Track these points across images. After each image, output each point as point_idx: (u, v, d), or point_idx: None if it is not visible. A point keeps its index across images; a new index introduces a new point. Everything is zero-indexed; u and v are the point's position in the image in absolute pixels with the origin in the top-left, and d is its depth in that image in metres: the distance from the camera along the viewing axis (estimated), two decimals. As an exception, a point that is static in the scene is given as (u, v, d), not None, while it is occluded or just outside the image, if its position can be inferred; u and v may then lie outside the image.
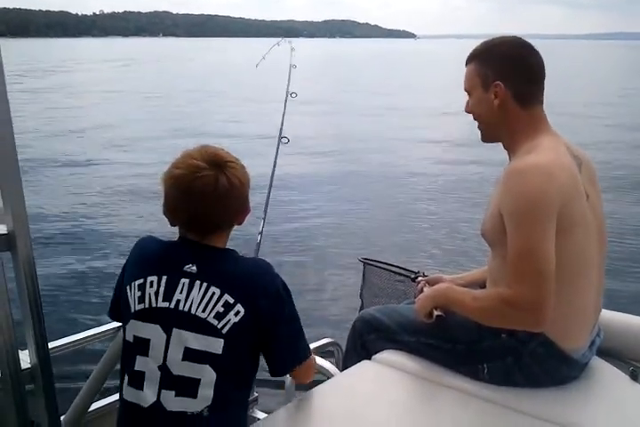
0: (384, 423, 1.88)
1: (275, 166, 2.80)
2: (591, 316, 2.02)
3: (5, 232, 1.64)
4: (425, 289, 2.30)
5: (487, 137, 2.11)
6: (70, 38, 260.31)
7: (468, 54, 2.06)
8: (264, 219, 2.61)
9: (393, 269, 2.69)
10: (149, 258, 1.70)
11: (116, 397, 2.14)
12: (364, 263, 2.77)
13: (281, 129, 2.89)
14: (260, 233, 2.72)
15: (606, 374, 2.10)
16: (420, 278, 2.49)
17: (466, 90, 2.10)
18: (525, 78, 2.00)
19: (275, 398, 2.49)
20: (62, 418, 2.00)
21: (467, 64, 2.08)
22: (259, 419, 2.10)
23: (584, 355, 2.02)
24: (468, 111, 2.11)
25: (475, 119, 2.11)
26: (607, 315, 2.20)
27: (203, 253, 1.66)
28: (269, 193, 2.74)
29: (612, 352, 2.21)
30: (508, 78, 1.98)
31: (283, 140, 2.84)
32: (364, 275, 2.79)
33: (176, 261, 1.64)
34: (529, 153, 1.90)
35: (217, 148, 1.68)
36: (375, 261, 2.76)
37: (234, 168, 1.63)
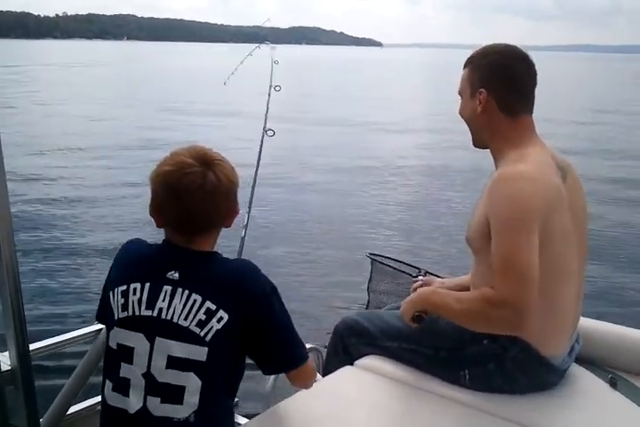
0: None
1: (259, 158, 2.80)
2: (570, 323, 2.05)
3: None
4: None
5: (475, 142, 2.16)
6: (30, 40, 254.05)
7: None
8: (249, 212, 2.59)
9: (397, 266, 2.72)
10: (133, 263, 1.67)
11: (95, 399, 2.11)
12: (372, 259, 2.80)
13: (265, 121, 2.89)
14: (245, 226, 2.69)
15: (586, 381, 2.13)
16: (419, 277, 2.50)
17: (458, 93, 2.14)
18: (512, 88, 2.02)
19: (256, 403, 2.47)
20: (40, 420, 1.96)
21: (463, 68, 2.13)
22: (240, 424, 2.07)
23: (564, 361, 2.05)
24: (459, 114, 2.16)
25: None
26: (587, 323, 2.24)
27: (186, 258, 1.63)
28: (254, 186, 2.73)
29: (592, 360, 2.24)
30: (493, 87, 2.02)
31: (268, 132, 2.84)
32: (371, 270, 2.82)
33: (159, 267, 1.61)
34: (516, 162, 1.92)
35: (205, 147, 1.67)
36: (383, 256, 2.80)
37: (222, 166, 1.62)
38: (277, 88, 3.07)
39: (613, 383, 2.09)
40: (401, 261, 2.79)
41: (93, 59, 63.62)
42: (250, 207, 2.56)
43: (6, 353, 1.75)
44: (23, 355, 1.75)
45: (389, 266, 2.76)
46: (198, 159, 1.59)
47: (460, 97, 2.14)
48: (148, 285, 1.59)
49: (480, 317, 1.84)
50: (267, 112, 2.92)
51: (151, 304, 1.57)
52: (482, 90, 2.02)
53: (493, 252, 1.82)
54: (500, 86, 2.02)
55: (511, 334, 1.88)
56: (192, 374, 1.53)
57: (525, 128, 2.04)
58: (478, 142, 2.14)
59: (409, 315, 2.05)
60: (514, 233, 1.80)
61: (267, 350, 1.66)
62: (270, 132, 2.81)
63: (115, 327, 1.60)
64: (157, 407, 1.53)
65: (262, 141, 2.82)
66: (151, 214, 1.65)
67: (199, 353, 1.54)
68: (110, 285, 1.66)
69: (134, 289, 1.59)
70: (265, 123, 2.87)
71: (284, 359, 1.70)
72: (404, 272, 2.69)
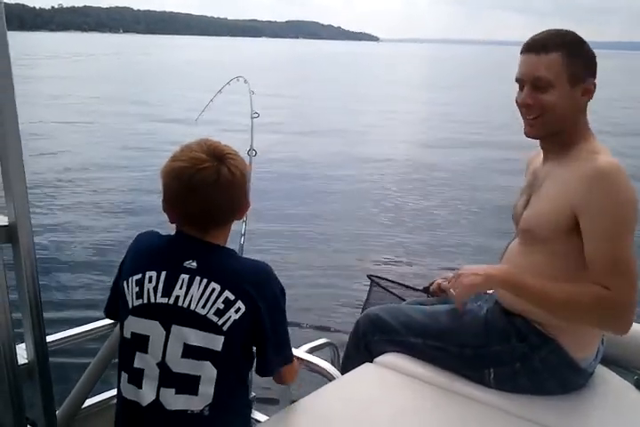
0: None
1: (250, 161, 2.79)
2: None
3: (7, 224, 1.58)
4: (452, 291, 1.97)
5: (544, 132, 1.93)
6: (26, 32, 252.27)
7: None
8: (245, 221, 2.56)
9: (399, 287, 2.64)
10: (149, 253, 1.66)
11: (111, 393, 2.08)
12: (372, 281, 2.69)
13: (252, 142, 2.90)
14: (243, 235, 2.66)
15: (611, 382, 2.10)
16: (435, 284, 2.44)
17: (541, 79, 1.85)
18: (595, 77, 1.92)
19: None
20: (56, 413, 1.92)
21: (543, 52, 1.85)
22: (258, 421, 2.04)
23: (591, 364, 2.01)
24: (530, 103, 1.89)
25: (533, 112, 1.90)
26: None
27: (203, 249, 1.62)
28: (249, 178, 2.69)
29: (617, 361, 2.21)
30: (594, 76, 1.90)
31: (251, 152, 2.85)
32: (369, 291, 2.71)
33: (176, 256, 1.60)
34: (596, 153, 1.84)
35: (216, 141, 1.66)
36: (384, 279, 2.70)
37: (234, 159, 1.61)
38: (255, 115, 3.11)
39: (639, 384, 2.07)
40: (403, 284, 2.69)
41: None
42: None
43: (23, 345, 1.71)
44: (40, 347, 1.71)
45: (390, 290, 2.64)
46: (210, 153, 1.58)
47: (537, 85, 1.87)
48: (164, 273, 1.57)
49: (588, 313, 1.80)
50: (252, 135, 2.95)
51: (167, 292, 1.56)
52: (592, 79, 1.88)
53: (596, 251, 1.77)
54: (595, 76, 1.91)
55: (615, 333, 1.86)
56: (208, 362, 1.52)
57: None
58: (548, 132, 1.93)
59: (471, 292, 1.95)
60: (624, 234, 1.77)
61: (263, 348, 1.66)
62: (253, 153, 2.84)
63: (129, 316, 1.59)
64: (171, 399, 1.52)
65: (251, 160, 2.79)
66: (164, 210, 1.64)
67: (215, 342, 1.53)
68: (124, 276, 1.63)
69: (150, 277, 1.58)
70: (252, 143, 2.87)
71: (277, 359, 1.70)
72: (410, 288, 2.62)
